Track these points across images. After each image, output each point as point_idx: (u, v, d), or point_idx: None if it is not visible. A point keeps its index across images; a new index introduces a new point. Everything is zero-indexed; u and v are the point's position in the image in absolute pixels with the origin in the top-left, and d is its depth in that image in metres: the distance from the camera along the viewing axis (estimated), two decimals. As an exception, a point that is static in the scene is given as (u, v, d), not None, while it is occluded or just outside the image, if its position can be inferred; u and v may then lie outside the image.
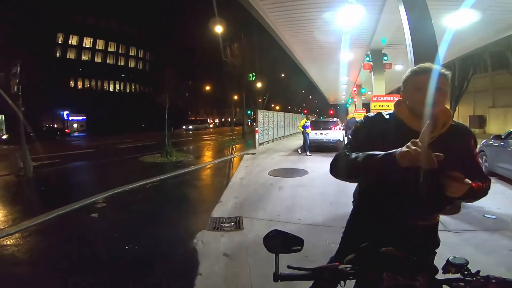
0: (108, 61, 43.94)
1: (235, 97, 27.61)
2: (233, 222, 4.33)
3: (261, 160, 10.54)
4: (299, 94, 53.53)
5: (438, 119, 1.18)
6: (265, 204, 5.33)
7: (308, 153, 11.51)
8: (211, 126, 46.32)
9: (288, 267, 0.92)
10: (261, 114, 15.94)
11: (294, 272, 0.91)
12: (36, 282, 2.88)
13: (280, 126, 20.26)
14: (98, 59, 42.80)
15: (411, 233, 1.20)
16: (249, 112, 31.30)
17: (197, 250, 3.46)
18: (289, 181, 7.18)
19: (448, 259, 0.83)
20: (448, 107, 1.23)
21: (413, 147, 0.97)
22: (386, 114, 1.29)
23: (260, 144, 15.15)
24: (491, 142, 6.36)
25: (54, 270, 3.09)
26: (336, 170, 1.28)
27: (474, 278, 0.76)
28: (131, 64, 47.46)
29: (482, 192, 1.25)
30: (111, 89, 44.40)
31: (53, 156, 11.83)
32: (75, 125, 35.42)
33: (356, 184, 1.44)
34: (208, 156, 14.20)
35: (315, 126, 13.01)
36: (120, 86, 45.62)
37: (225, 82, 22.02)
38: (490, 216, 4.27)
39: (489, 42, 10.96)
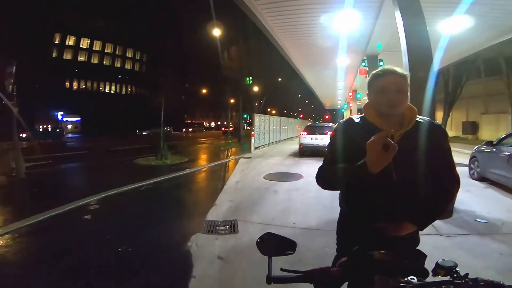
0: (104, 62, 43.78)
1: (232, 101, 27.70)
2: (228, 225, 4.30)
3: (256, 164, 10.52)
4: (296, 98, 53.76)
5: (404, 117, 1.23)
6: (260, 207, 5.31)
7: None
8: (205, 129, 46.30)
9: (281, 269, 0.92)
10: (258, 118, 15.99)
11: (287, 275, 0.91)
12: (25, 284, 2.82)
13: (276, 130, 20.41)
14: (95, 60, 42.63)
15: (391, 237, 1.26)
16: (245, 116, 31.46)
17: (191, 253, 3.43)
18: (284, 185, 7.18)
19: (437, 262, 0.84)
20: (414, 106, 1.27)
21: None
22: (357, 118, 1.33)
23: (256, 148, 15.17)
24: (483, 148, 6.42)
25: (44, 272, 3.04)
26: (321, 183, 1.39)
27: (463, 281, 0.76)
28: (128, 65, 47.33)
29: (443, 211, 1.35)
30: (107, 90, 44.20)
31: (46, 157, 11.71)
32: (69, 126, 35.02)
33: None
34: (203, 160, 14.16)
35: (311, 131, 13.13)
36: (116, 88, 45.42)
37: (222, 85, 22.08)
38: (481, 221, 4.30)
39: (482, 49, 11.13)
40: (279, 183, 7.38)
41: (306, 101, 65.92)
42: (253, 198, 6.00)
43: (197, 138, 29.79)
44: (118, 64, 45.81)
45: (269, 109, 38.73)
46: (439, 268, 0.82)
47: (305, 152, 12.60)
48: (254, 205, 5.44)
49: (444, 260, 0.83)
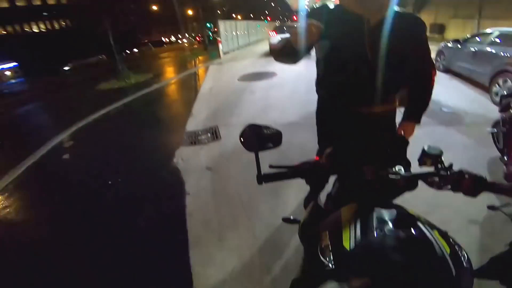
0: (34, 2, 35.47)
1: (190, 12, 26.99)
2: (209, 132, 4.19)
3: (228, 68, 9.93)
4: (261, 1, 49.44)
5: (382, 5, 1.20)
6: (238, 110, 5.15)
7: None
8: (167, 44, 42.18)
9: (270, 166, 0.85)
10: (222, 25, 15.69)
11: (277, 171, 0.85)
12: (19, 229, 2.77)
13: (244, 34, 20.50)
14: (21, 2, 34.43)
15: (371, 121, 1.37)
16: (208, 25, 30.80)
17: (179, 169, 3.37)
18: (260, 84, 6.96)
19: (423, 148, 0.80)
20: None
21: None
22: (331, 5, 1.30)
23: (225, 53, 14.87)
24: (449, 45, 6.99)
25: (39, 219, 2.97)
26: (273, 55, 1.42)
27: (448, 173, 0.75)
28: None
29: (429, 96, 1.46)
30: (43, 29, 37.28)
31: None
32: (7, 73, 30.40)
33: (316, 75, 1.51)
34: (170, 73, 13.14)
35: (279, 31, 13.51)
36: (51, 25, 38.12)
37: None
38: (446, 110, 4.38)
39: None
40: (254, 83, 7.13)
41: (273, 4, 63.63)
42: (230, 101, 5.77)
43: (157, 54, 27.02)
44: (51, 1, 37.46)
45: (234, 15, 36.55)
46: (425, 157, 0.79)
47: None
48: (233, 108, 5.25)
49: (430, 146, 0.80)
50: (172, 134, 4.56)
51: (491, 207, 2.00)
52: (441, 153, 0.79)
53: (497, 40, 5.38)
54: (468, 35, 6.62)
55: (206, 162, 3.41)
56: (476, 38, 6.17)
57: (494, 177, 2.55)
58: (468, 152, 3.05)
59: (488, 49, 5.37)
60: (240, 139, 0.90)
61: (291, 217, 1.33)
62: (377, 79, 1.26)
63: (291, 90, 5.82)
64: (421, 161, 0.80)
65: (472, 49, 5.88)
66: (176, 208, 2.67)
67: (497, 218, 1.96)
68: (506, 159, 2.38)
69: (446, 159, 0.79)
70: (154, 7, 33.08)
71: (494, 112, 3.85)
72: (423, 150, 0.80)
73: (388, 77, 1.26)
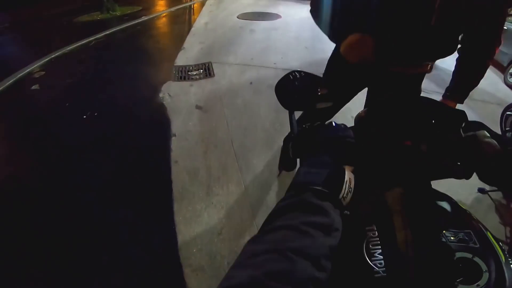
0: None
1: None
2: (202, 69, 3.70)
3: (227, 4, 8.91)
4: None
5: None
6: (236, 48, 4.60)
7: None
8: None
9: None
10: None
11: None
12: None
13: None
14: None
15: (398, 80, 1.27)
16: None
17: (165, 105, 2.97)
18: (261, 24, 6.29)
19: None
20: None
21: None
22: None
23: None
24: None
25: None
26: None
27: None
28: None
29: (484, 70, 1.26)
30: None
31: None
32: None
33: None
34: (162, 6, 11.75)
35: None
36: None
37: None
38: None
39: None
40: (255, 22, 6.43)
41: None
42: (227, 38, 5.15)
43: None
44: None
45: None
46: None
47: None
48: (229, 46, 4.68)
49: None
50: (159, 67, 3.99)
51: (481, 190, 1.92)
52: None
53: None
54: None
55: (196, 100, 3.01)
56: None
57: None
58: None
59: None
60: (277, 88, 0.70)
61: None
62: (430, 40, 1.11)
63: (295, 36, 5.24)
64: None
65: (504, 27, 5.28)
66: (160, 153, 2.33)
67: (485, 202, 1.95)
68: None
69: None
70: None
71: (504, 92, 3.81)
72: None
73: (444, 40, 1.13)
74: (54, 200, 1.93)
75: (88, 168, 2.21)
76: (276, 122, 2.64)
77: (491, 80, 4.41)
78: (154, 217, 1.80)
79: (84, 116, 2.89)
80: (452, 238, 0.52)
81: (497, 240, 0.55)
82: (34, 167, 2.26)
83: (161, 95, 3.13)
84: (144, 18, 7.83)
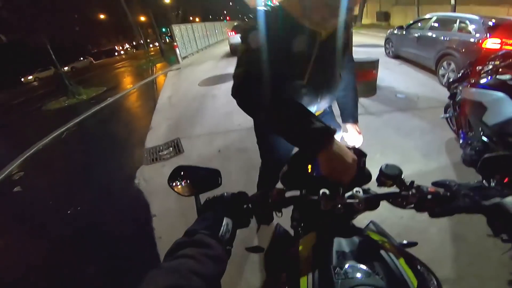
0: None
1: (142, 19, 26.17)
2: (171, 147, 3.99)
3: (188, 73, 9.64)
4: (218, 1, 49.65)
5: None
6: (201, 118, 4.99)
7: None
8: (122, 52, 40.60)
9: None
10: (177, 29, 15.37)
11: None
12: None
13: (203, 36, 20.49)
14: None
15: None
16: (164, 29, 31.13)
17: (141, 190, 3.17)
18: (222, 87, 6.81)
19: (381, 168, 0.73)
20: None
21: None
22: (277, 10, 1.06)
23: (184, 57, 14.69)
24: (395, 32, 7.37)
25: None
26: (245, 103, 1.03)
27: (410, 193, 0.68)
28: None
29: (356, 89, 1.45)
30: None
31: None
32: None
33: None
34: (125, 83, 12.43)
35: (238, 30, 13.48)
36: None
37: (128, 4, 17.84)
38: (401, 96, 4.60)
39: None
40: (216, 87, 6.96)
41: (231, 3, 64.05)
42: (191, 109, 5.57)
43: (111, 64, 25.38)
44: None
45: (191, 18, 35.97)
46: (383, 177, 0.72)
47: (236, 51, 11.87)
48: (194, 117, 5.07)
49: (387, 166, 0.73)
50: (131, 152, 4.25)
51: None
52: (400, 173, 0.72)
53: (436, 25, 5.75)
54: (411, 21, 7.00)
55: (170, 180, 3.23)
56: (418, 23, 6.55)
57: (454, 160, 2.70)
58: (426, 137, 3.18)
59: (429, 34, 5.73)
60: (170, 183, 0.81)
61: (255, 245, 1.23)
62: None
63: (255, 93, 5.78)
64: (380, 182, 0.74)
65: (416, 35, 6.24)
66: (144, 233, 2.50)
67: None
68: (461, 141, 2.48)
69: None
70: (102, 16, 31.43)
71: (443, 94, 4.07)
72: (381, 170, 0.73)
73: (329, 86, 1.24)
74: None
75: (76, 261, 2.34)
76: (248, 183, 2.82)
77: (429, 86, 4.95)
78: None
79: (68, 212, 3.05)
80: (350, 272, 0.54)
81: (416, 267, 0.57)
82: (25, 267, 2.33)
83: (136, 181, 3.33)
84: (110, 100, 8.21)
